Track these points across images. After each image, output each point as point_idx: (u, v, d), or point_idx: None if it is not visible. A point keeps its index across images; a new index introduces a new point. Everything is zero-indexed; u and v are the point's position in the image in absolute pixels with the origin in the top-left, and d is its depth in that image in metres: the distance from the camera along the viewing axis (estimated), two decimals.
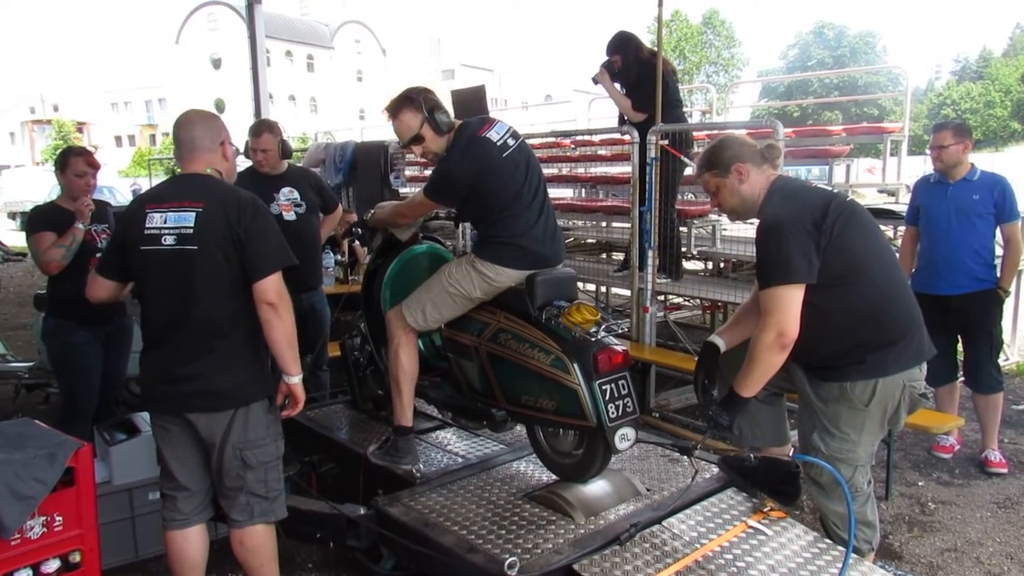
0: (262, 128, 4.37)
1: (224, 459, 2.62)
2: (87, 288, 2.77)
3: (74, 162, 3.82)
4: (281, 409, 2.70)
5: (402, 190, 7.36)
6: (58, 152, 3.91)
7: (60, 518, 2.59)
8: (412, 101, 3.09)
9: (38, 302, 4.78)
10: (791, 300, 2.50)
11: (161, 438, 2.71)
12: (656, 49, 5.23)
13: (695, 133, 6.77)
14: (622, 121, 5.53)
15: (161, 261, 2.54)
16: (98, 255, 3.50)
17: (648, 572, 2.50)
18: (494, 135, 3.07)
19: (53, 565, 2.59)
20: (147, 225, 2.55)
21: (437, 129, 3.08)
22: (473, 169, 3.00)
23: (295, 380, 2.65)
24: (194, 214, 2.53)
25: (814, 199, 2.62)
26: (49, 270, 3.72)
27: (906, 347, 2.65)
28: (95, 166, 3.90)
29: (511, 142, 3.09)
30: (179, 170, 2.77)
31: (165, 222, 2.54)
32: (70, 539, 2.62)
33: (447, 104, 3.13)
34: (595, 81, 5.61)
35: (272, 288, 2.54)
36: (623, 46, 5.45)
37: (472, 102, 5.69)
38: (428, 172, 4.44)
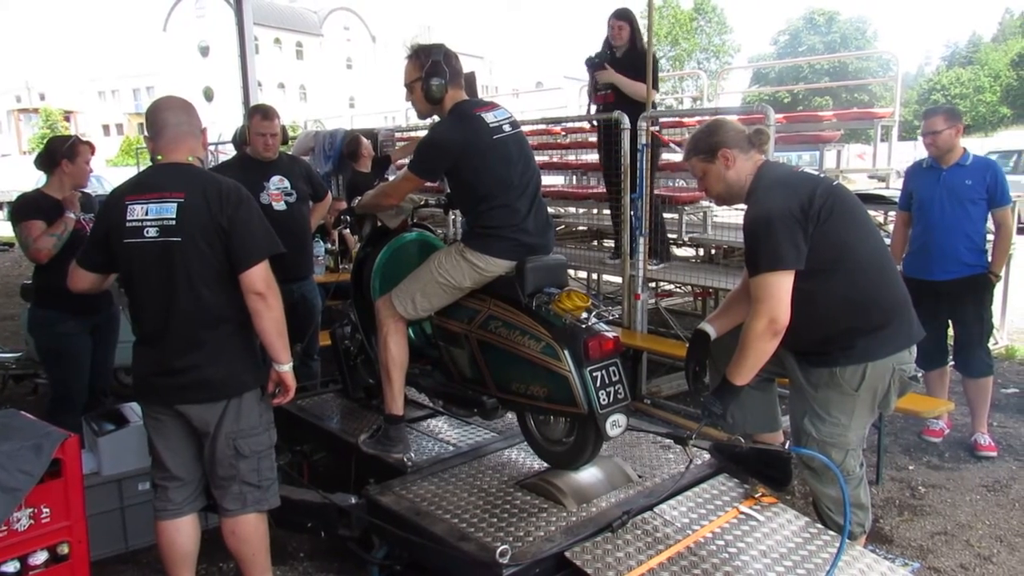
0: (272, 113, 4.34)
1: (217, 448, 2.61)
2: (68, 279, 2.73)
3: (83, 150, 3.85)
4: (272, 397, 2.68)
5: (391, 178, 7.32)
6: (53, 141, 3.90)
7: (47, 510, 2.57)
8: (418, 58, 3.07)
9: (25, 292, 4.74)
10: (781, 287, 2.50)
11: (153, 428, 2.69)
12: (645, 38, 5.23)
13: (686, 119, 6.75)
14: (617, 105, 5.43)
15: (145, 254, 2.50)
16: None
17: (640, 559, 2.50)
18: (490, 117, 3.04)
19: (41, 557, 2.57)
20: (128, 217, 2.50)
21: (427, 93, 3.04)
22: (457, 143, 2.97)
23: (286, 368, 2.63)
24: (175, 205, 2.48)
25: (801, 185, 2.61)
26: (39, 258, 3.68)
27: (895, 331, 2.65)
28: (94, 153, 3.97)
29: (507, 128, 3.06)
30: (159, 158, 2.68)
31: (146, 214, 2.49)
32: (58, 531, 2.60)
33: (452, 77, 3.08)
34: (596, 87, 5.54)
35: (259, 277, 2.51)
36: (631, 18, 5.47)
37: None
38: None
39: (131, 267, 2.55)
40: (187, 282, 2.49)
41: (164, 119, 2.62)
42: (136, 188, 2.59)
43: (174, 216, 2.47)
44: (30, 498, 2.49)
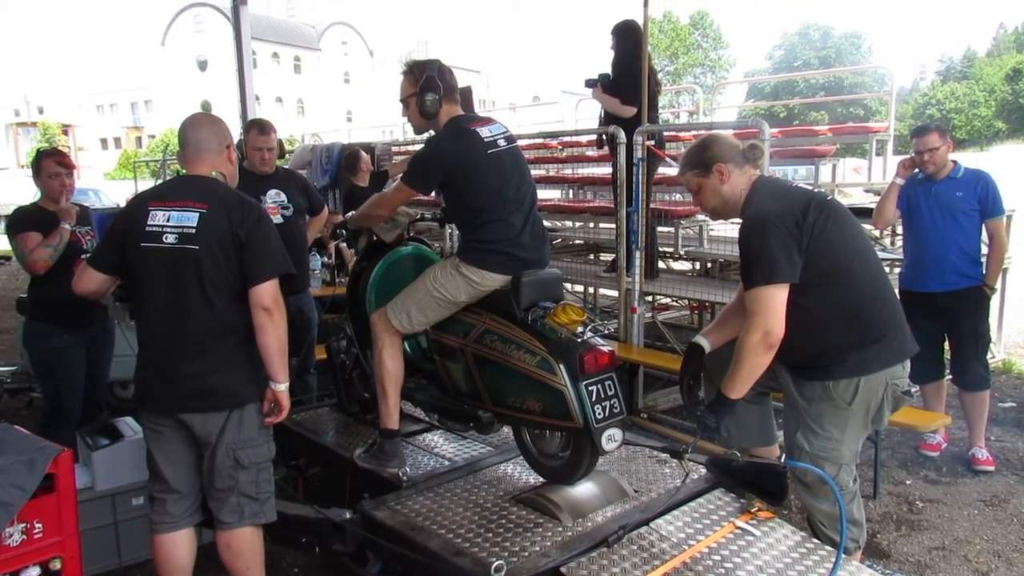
0: (268, 127, 4.37)
1: (217, 459, 2.62)
2: (75, 280, 2.75)
3: (46, 164, 3.81)
4: (266, 416, 2.69)
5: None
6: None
7: (40, 525, 2.55)
8: (413, 73, 3.11)
9: (20, 306, 4.73)
10: (776, 300, 2.50)
11: (152, 440, 2.70)
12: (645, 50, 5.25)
13: (683, 134, 6.78)
14: (609, 121, 5.50)
15: (160, 258, 2.54)
16: (82, 256, 3.49)
17: (636, 574, 2.49)
18: (485, 132, 3.05)
19: (33, 572, 2.54)
20: (149, 222, 2.56)
21: (421, 108, 3.07)
22: (451, 156, 2.99)
23: (282, 387, 2.66)
24: (197, 214, 2.54)
25: (795, 199, 2.63)
26: (36, 269, 3.68)
27: (888, 345, 2.65)
28: (68, 166, 3.88)
29: (502, 143, 3.07)
30: (180, 172, 2.77)
31: (168, 220, 2.55)
32: (50, 546, 2.58)
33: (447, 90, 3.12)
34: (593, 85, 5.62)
35: (268, 294, 2.56)
36: (627, 35, 5.49)
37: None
38: None
39: (143, 271, 2.58)
40: (200, 290, 2.53)
41: (187, 135, 2.72)
42: (161, 195, 2.66)
43: (195, 225, 2.53)
44: (23, 513, 2.47)
